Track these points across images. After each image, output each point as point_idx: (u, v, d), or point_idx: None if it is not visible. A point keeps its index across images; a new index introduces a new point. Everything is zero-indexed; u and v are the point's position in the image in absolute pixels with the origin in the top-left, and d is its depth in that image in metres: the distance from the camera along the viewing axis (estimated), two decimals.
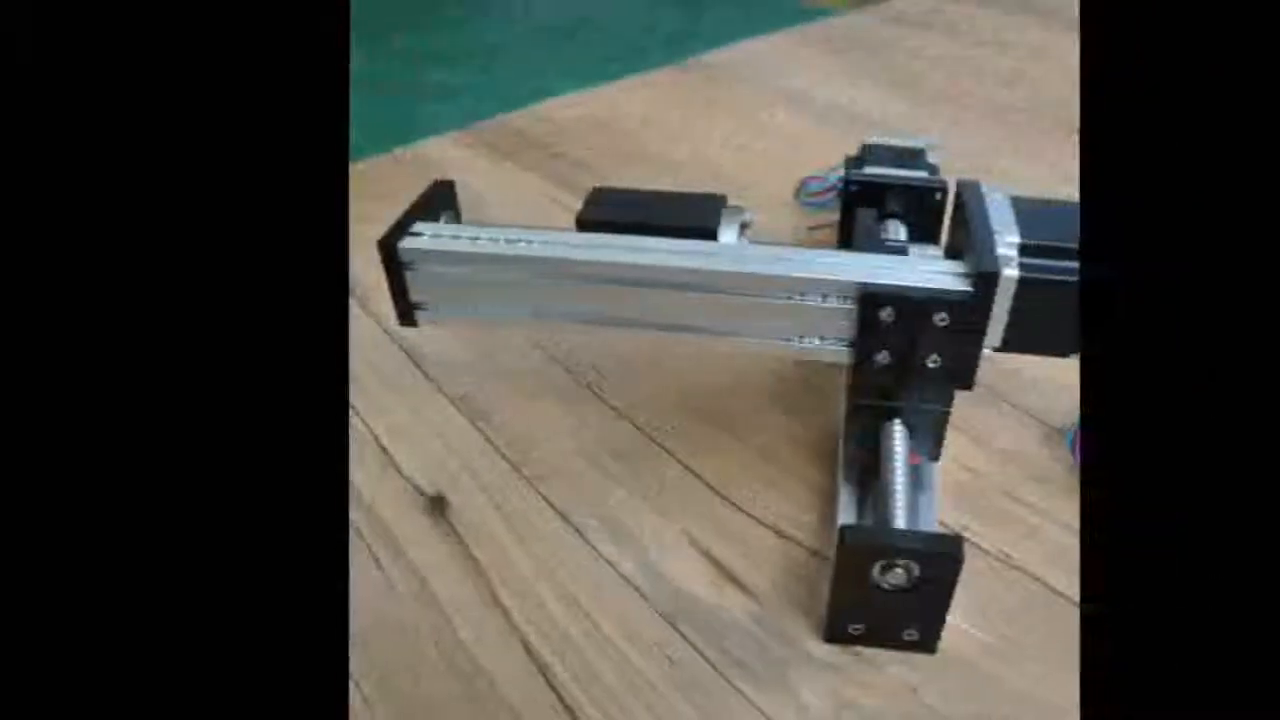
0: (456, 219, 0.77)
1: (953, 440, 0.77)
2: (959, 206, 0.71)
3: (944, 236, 0.85)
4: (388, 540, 0.78)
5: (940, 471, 0.78)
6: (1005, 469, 0.82)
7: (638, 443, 0.86)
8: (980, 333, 0.65)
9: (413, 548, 0.77)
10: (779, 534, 0.77)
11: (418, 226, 0.71)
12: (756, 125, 1.46)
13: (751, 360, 0.94)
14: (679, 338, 0.69)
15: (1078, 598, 0.69)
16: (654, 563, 0.75)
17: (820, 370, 0.91)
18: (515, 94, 1.63)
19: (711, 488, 0.81)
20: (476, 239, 0.70)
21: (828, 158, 1.16)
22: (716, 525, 0.78)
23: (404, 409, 0.92)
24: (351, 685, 0.67)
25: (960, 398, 0.72)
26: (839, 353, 0.68)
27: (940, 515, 0.76)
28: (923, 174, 0.90)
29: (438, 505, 0.81)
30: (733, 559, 0.75)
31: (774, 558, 0.75)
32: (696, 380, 0.93)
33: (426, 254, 0.69)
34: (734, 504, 0.80)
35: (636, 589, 0.73)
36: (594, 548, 0.76)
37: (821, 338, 0.68)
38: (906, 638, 0.67)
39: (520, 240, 0.69)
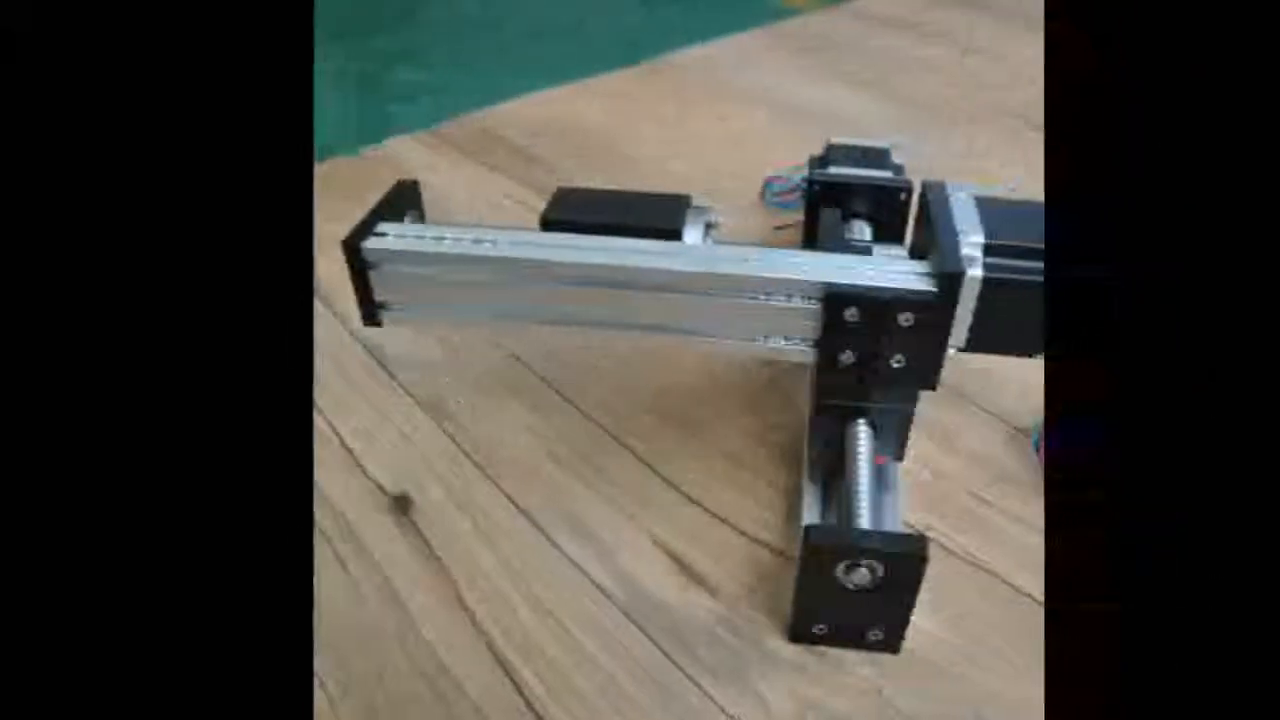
0: (421, 219, 0.76)
1: (918, 441, 0.78)
2: (924, 206, 0.71)
3: (909, 237, 0.84)
4: (352, 540, 0.77)
5: (905, 472, 0.78)
6: (971, 469, 0.82)
7: (603, 443, 0.86)
8: (945, 333, 0.65)
9: (377, 547, 0.77)
10: (745, 534, 0.77)
11: (382, 226, 0.71)
12: (723, 125, 1.46)
13: (717, 361, 0.94)
14: (644, 338, 0.69)
15: (1042, 597, 0.70)
16: (619, 563, 0.75)
17: (786, 370, 0.91)
18: (481, 94, 1.62)
19: (677, 488, 0.81)
20: (441, 239, 0.69)
21: (794, 158, 1.16)
22: (682, 526, 0.78)
23: (368, 409, 0.91)
24: (316, 685, 0.66)
25: (926, 398, 0.72)
26: (804, 353, 0.68)
27: (905, 515, 0.76)
28: (887, 174, 0.90)
29: (402, 505, 0.80)
30: (698, 559, 0.75)
31: (740, 558, 0.75)
32: (662, 380, 0.92)
33: (390, 254, 0.69)
34: (700, 504, 0.79)
35: (602, 589, 0.72)
36: (559, 548, 0.76)
37: (786, 338, 0.67)
38: (871, 638, 0.67)
39: (484, 240, 0.69)
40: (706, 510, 0.79)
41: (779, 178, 1.19)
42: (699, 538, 0.77)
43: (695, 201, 0.76)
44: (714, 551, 0.76)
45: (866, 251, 0.72)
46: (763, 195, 1.20)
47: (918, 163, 0.94)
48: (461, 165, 1.36)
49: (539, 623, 0.70)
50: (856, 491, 0.69)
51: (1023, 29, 1.77)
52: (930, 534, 0.75)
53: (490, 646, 0.69)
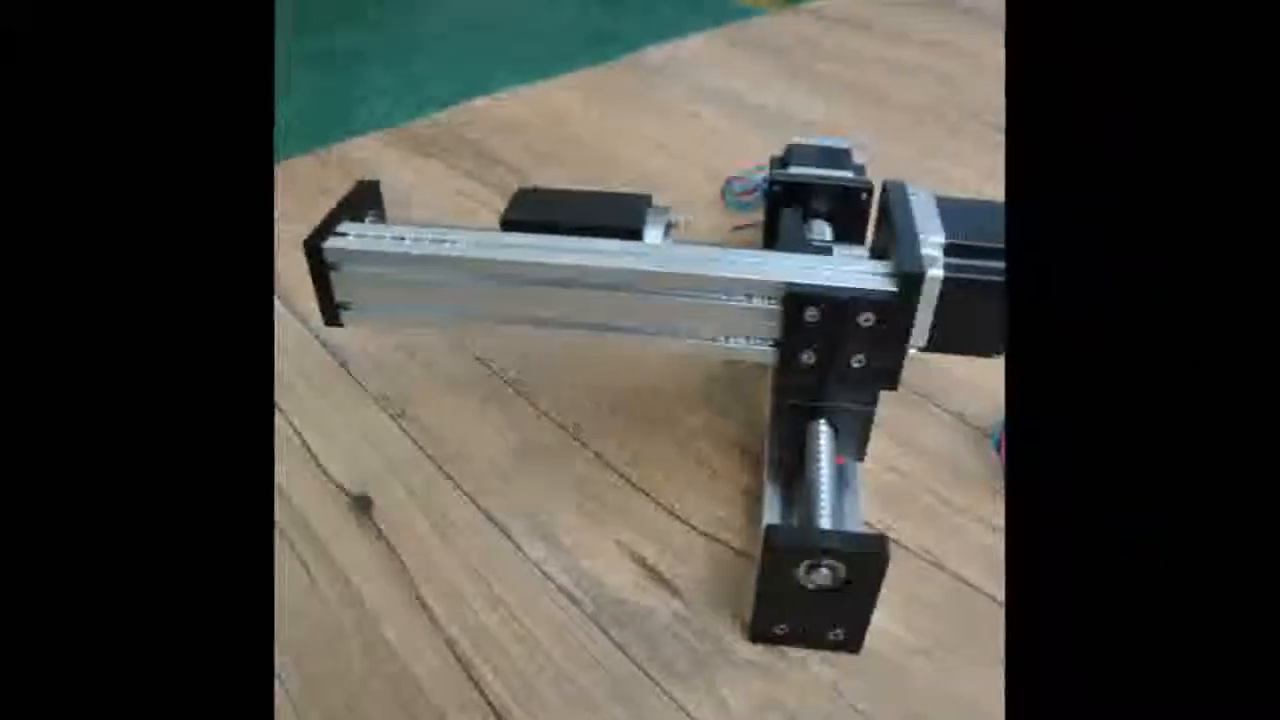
0: (381, 219, 0.76)
1: (879, 440, 0.78)
2: (884, 206, 0.71)
3: (870, 237, 0.84)
4: (313, 541, 0.77)
5: (866, 471, 0.78)
6: (931, 469, 0.82)
7: (564, 443, 0.86)
8: (905, 333, 0.65)
9: (338, 548, 0.76)
10: (705, 535, 0.77)
11: (343, 227, 0.70)
12: (684, 125, 1.46)
13: (679, 360, 0.93)
14: (605, 338, 0.69)
15: (1002, 596, 0.70)
16: (581, 564, 0.75)
17: (747, 371, 0.91)
18: (441, 93, 1.62)
19: (638, 488, 0.81)
20: (401, 239, 0.69)
21: (755, 158, 1.16)
22: (643, 526, 0.78)
23: (329, 409, 0.90)
24: (276, 684, 0.66)
25: (887, 398, 0.72)
26: (765, 353, 0.68)
27: (866, 515, 0.76)
28: (848, 174, 0.90)
29: (362, 505, 0.80)
30: (660, 560, 0.75)
31: (701, 558, 0.75)
32: (623, 381, 0.92)
33: (351, 254, 0.69)
34: (661, 504, 0.79)
35: (563, 590, 0.72)
36: (520, 548, 0.76)
37: (747, 338, 0.68)
38: (832, 638, 0.67)
39: (445, 240, 0.69)
40: (669, 511, 0.79)
41: (739, 177, 1.19)
42: (661, 538, 0.77)
43: (656, 201, 0.76)
44: (676, 552, 0.75)
45: (827, 251, 0.72)
46: (723, 195, 1.20)
47: (878, 163, 0.94)
48: (423, 164, 1.35)
49: (500, 624, 0.70)
50: (817, 491, 0.69)
51: (991, 26, 1.78)
52: (891, 534, 0.75)
53: (451, 647, 0.68)
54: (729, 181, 1.19)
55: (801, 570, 0.62)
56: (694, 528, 0.77)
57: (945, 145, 1.37)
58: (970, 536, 0.76)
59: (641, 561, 0.75)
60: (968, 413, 0.87)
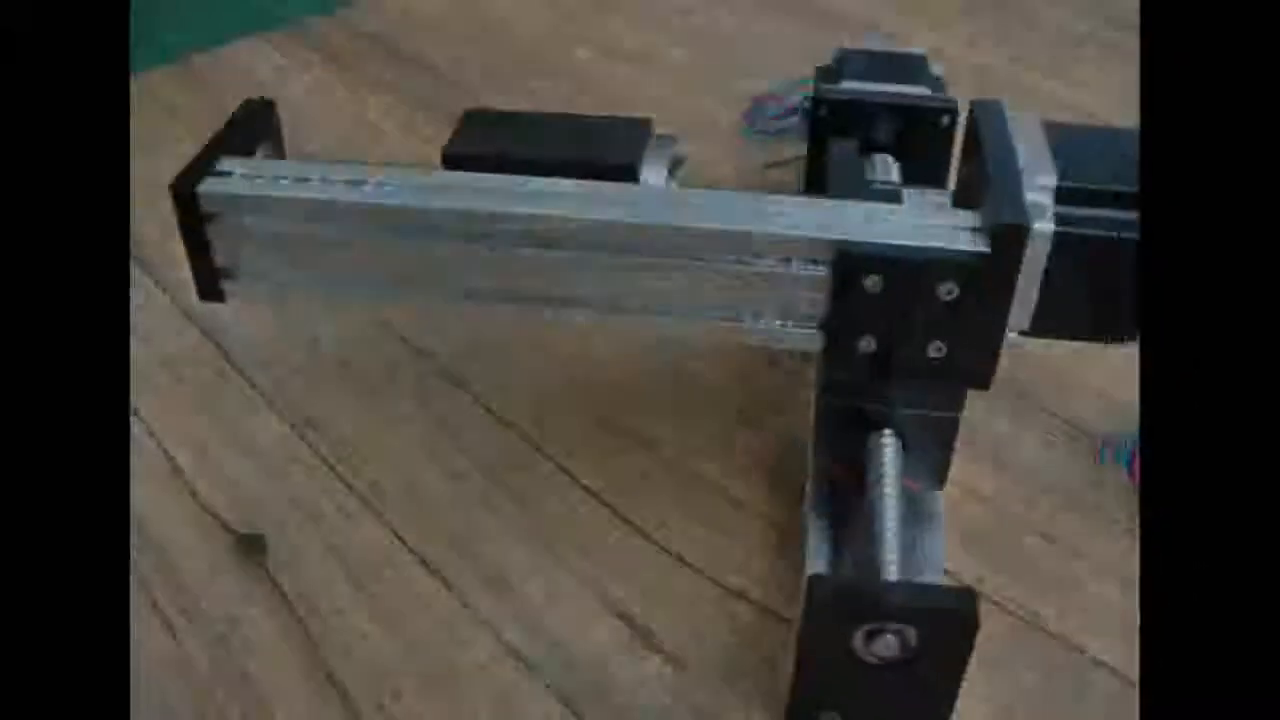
0: (279, 153, 0.76)
1: (963, 458, 0.77)
2: (973, 136, 0.71)
3: (952, 177, 0.83)
4: (181, 593, 0.77)
5: (946, 500, 0.78)
6: (1033, 497, 0.82)
7: (521, 457, 0.86)
8: (1001, 310, 0.64)
9: (218, 606, 0.76)
10: (720, 585, 0.77)
11: (224, 164, 0.69)
12: (686, 24, 1.46)
13: (685, 350, 0.94)
14: (581, 318, 0.69)
15: (1134, 674, 0.70)
16: (542, 619, 0.75)
17: (781, 364, 0.92)
18: None
19: (623, 518, 0.81)
20: (306, 181, 0.68)
21: (786, 69, 1.15)
22: (629, 570, 0.78)
23: (206, 417, 0.90)
24: None
25: (974, 401, 0.72)
26: (806, 338, 0.67)
27: (947, 561, 0.76)
28: (923, 90, 0.90)
29: (251, 546, 0.80)
30: (655, 618, 0.75)
31: (709, 616, 0.75)
32: (607, 377, 0.93)
33: (237, 202, 0.68)
34: (654, 541, 0.80)
35: (517, 654, 0.73)
36: (466, 603, 0.76)
37: (782, 318, 0.67)
38: None
39: (366, 183, 0.68)
40: (666, 550, 0.79)
41: (771, 97, 1.18)
42: (656, 589, 0.77)
43: (656, 129, 0.75)
44: (677, 608, 0.76)
45: (895, 198, 0.72)
46: (749, 121, 1.20)
47: (963, 78, 0.94)
48: (333, 79, 1.35)
49: (436, 707, 0.70)
50: (881, 528, 0.69)
51: None
52: (980, 586, 0.75)
53: None
54: (756, 103, 1.19)
55: (859, 638, 0.62)
56: (703, 574, 0.77)
57: (1057, 54, 1.36)
58: (1088, 590, 0.76)
59: (626, 617, 0.75)
60: (1082, 420, 0.87)
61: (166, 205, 0.67)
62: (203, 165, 0.68)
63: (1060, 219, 0.64)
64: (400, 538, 0.80)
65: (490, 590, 0.76)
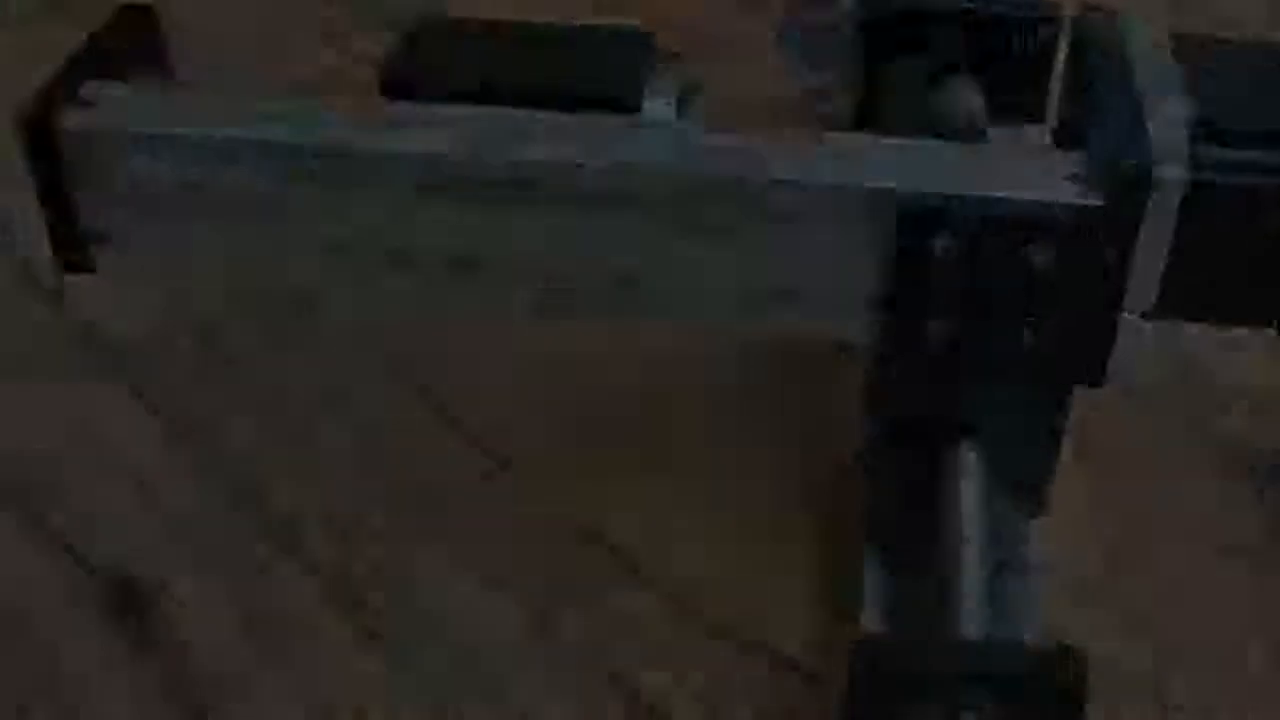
0: (164, 75, 0.69)
1: (1068, 481, 0.72)
2: (1079, 54, 0.66)
3: (1053, 109, 0.78)
4: (38, 651, 0.70)
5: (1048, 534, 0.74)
6: (1169, 532, 0.75)
7: (498, 489, 0.80)
8: (1116, 282, 0.58)
9: (77, 666, 0.69)
10: (745, 645, 0.71)
11: (88, 89, 0.63)
12: None
13: (700, 341, 0.87)
14: (571, 300, 0.62)
15: None
16: (525, 701, 0.68)
17: (817, 354, 0.84)
18: None
19: (632, 566, 0.75)
20: (198, 114, 0.62)
21: None
22: (635, 629, 0.72)
23: (64, 429, 0.83)
24: None
25: (1082, 405, 0.66)
26: (859, 322, 0.62)
27: (1046, 615, 0.69)
28: None
29: (130, 601, 0.73)
30: (665, 689, 0.69)
31: (746, 689, 0.69)
32: (602, 380, 0.87)
33: (108, 139, 0.61)
34: (673, 594, 0.74)
35: None
36: (419, 675, 0.69)
37: (828, 296, 0.61)
38: None
39: (279, 117, 0.62)
40: (685, 605, 0.73)
41: (814, 2, 1.06)
42: (666, 650, 0.71)
43: (660, 47, 0.70)
44: (693, 674, 0.69)
45: (976, 135, 0.67)
46: (781, 36, 1.07)
47: None
48: None
49: None
50: (959, 570, 0.63)
51: None
52: (1093, 648, 0.63)
53: None
54: (792, 14, 1.07)
55: (926, 715, 0.57)
56: (732, 636, 0.71)
57: None
58: (1248, 654, 0.69)
59: (633, 692, 0.69)
60: (1231, 435, 0.81)
61: (10, 145, 0.60)
62: (59, 90, 0.61)
63: (1196, 162, 0.56)
64: (328, 586, 0.71)
65: (453, 655, 0.68)
